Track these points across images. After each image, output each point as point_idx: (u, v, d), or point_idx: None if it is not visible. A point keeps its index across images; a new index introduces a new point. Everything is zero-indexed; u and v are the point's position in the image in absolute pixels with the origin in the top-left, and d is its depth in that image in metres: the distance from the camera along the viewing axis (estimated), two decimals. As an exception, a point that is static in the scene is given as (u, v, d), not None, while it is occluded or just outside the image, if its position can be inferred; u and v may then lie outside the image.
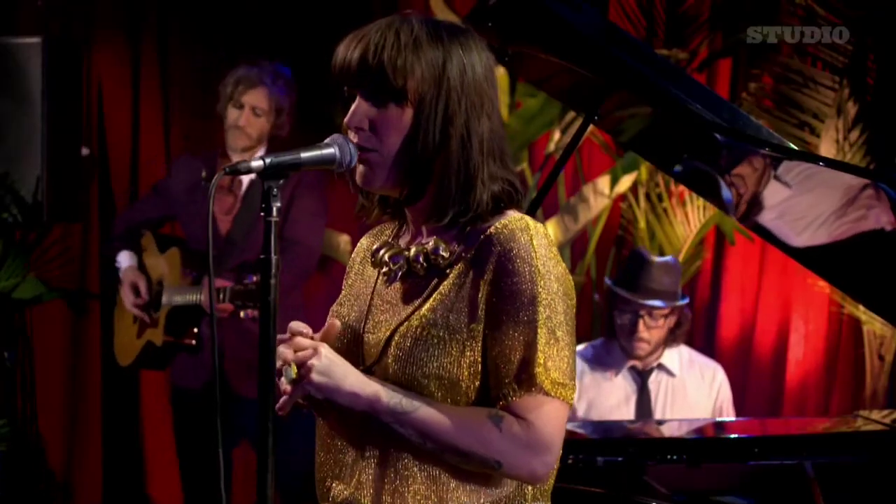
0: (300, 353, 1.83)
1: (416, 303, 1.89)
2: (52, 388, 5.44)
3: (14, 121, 4.44)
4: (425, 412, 1.81)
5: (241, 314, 3.94)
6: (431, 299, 1.87)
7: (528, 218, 1.88)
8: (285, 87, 4.29)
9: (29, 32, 4.92)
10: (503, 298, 1.83)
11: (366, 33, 1.87)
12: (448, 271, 1.89)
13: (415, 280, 1.92)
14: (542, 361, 1.81)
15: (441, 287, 1.88)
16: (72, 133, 4.60)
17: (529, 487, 1.90)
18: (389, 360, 1.87)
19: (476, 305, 1.84)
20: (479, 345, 1.84)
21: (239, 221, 4.23)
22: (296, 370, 1.83)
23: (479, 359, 1.84)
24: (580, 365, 4.12)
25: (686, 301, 4.11)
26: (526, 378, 1.81)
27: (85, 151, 4.84)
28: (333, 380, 1.82)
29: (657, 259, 4.07)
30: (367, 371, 1.90)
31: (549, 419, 1.82)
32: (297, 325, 1.86)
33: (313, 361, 1.82)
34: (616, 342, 4.13)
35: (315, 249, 4.25)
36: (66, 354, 5.50)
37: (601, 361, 4.14)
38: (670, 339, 4.10)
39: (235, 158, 4.26)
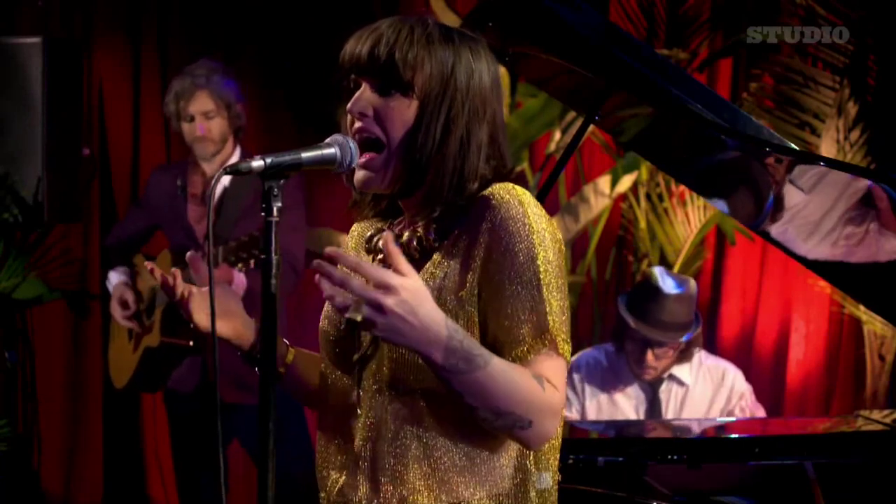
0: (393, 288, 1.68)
1: None
2: (53, 388, 5.45)
3: (14, 121, 4.44)
4: (482, 375, 1.74)
5: (237, 269, 3.80)
6: (422, 275, 1.86)
7: (509, 184, 1.88)
8: (222, 80, 4.25)
9: (29, 32, 4.93)
10: (503, 260, 1.82)
11: (378, 27, 1.88)
12: (437, 246, 1.89)
13: (410, 262, 1.92)
14: (553, 319, 1.82)
15: (430, 264, 1.88)
16: (72, 133, 4.60)
17: (532, 487, 1.90)
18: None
19: (467, 273, 1.84)
20: (472, 310, 1.83)
21: (214, 229, 4.21)
22: (363, 314, 1.67)
23: (472, 326, 1.83)
24: (594, 366, 4.08)
25: (698, 328, 3.96)
26: (541, 335, 1.81)
27: (85, 151, 4.84)
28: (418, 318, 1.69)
29: (672, 291, 3.89)
30: (363, 356, 1.90)
31: (563, 384, 1.84)
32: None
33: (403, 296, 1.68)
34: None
35: (299, 270, 4.24)
36: (67, 354, 5.50)
37: (613, 366, 4.06)
38: (682, 357, 4.01)
39: (207, 166, 4.27)
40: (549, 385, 1.80)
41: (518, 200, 1.84)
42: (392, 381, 1.87)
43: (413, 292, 1.67)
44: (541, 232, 1.83)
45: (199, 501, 4.34)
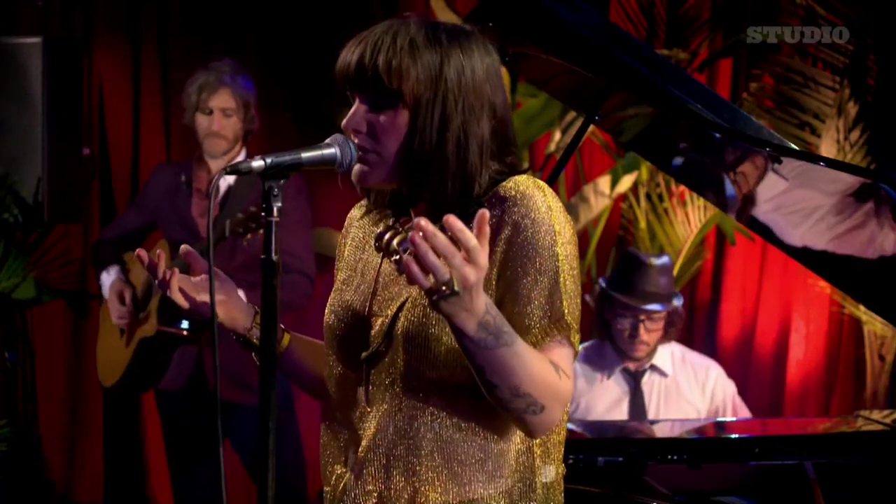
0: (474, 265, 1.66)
1: None
2: (53, 388, 5.45)
3: (14, 121, 4.44)
4: (507, 352, 1.73)
5: (245, 241, 3.82)
6: None
7: (528, 176, 1.89)
8: (247, 82, 4.29)
9: (29, 32, 4.92)
10: (524, 249, 1.83)
11: (365, 37, 1.87)
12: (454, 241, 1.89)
13: None
14: (566, 307, 1.83)
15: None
16: (72, 133, 4.60)
17: (538, 481, 1.91)
18: (399, 332, 1.87)
19: (490, 263, 1.84)
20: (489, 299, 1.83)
21: (217, 225, 4.20)
22: (458, 289, 1.64)
23: None
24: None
25: (681, 300, 4.11)
26: (556, 323, 1.83)
27: (85, 151, 4.84)
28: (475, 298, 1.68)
29: (654, 261, 4.05)
30: (376, 352, 1.90)
31: (572, 373, 1.85)
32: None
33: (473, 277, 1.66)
34: (608, 344, 4.11)
35: (312, 273, 4.25)
36: (67, 355, 5.50)
37: (593, 364, 4.11)
38: (663, 337, 4.10)
39: (214, 164, 4.27)
40: (562, 373, 1.82)
41: (540, 192, 1.86)
42: (406, 375, 1.88)
43: (484, 269, 1.66)
44: (561, 223, 1.85)
45: (198, 500, 4.34)
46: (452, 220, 1.62)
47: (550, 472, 1.93)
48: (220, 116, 4.23)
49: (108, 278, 4.35)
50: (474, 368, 1.76)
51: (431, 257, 1.62)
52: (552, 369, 1.80)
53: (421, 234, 1.61)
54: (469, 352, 1.73)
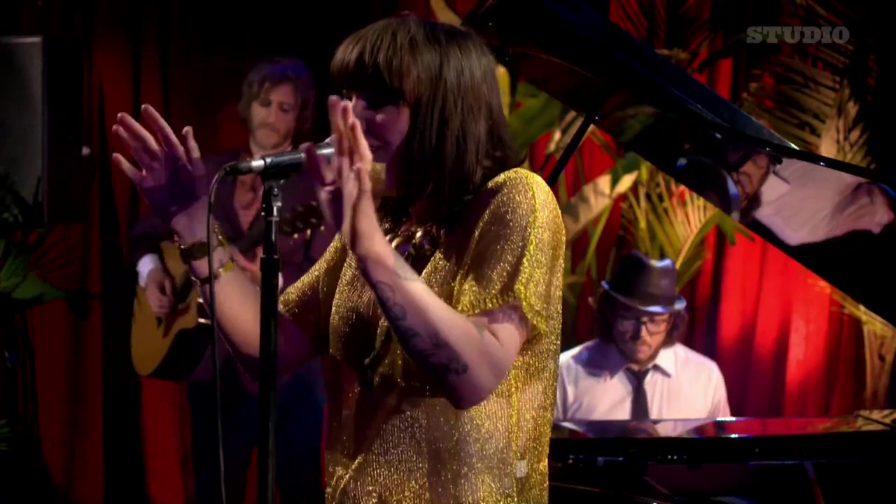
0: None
1: (422, 274, 1.89)
2: (53, 388, 5.44)
3: (14, 121, 4.44)
4: (422, 287, 1.75)
5: (292, 241, 3.91)
6: (431, 262, 1.90)
7: (521, 169, 1.90)
8: (308, 81, 4.33)
9: (29, 32, 4.92)
10: (496, 226, 1.83)
11: (364, 35, 1.88)
12: (448, 236, 1.90)
13: (423, 260, 1.92)
14: (523, 280, 1.81)
15: (439, 253, 1.89)
16: (72, 133, 4.59)
17: (513, 475, 1.90)
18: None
19: (470, 244, 1.85)
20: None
21: (260, 217, 4.23)
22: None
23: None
24: (575, 368, 4.11)
25: (684, 304, 4.11)
26: (504, 292, 1.80)
27: (85, 151, 4.84)
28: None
29: (656, 264, 4.05)
30: (377, 353, 1.91)
31: (512, 346, 1.82)
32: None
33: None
34: (611, 345, 4.11)
35: None
36: (67, 354, 5.49)
37: (596, 364, 4.11)
38: (666, 341, 4.09)
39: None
40: (489, 334, 1.79)
41: (525, 180, 1.86)
42: (404, 375, 1.88)
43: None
44: (543, 211, 1.85)
45: (215, 491, 4.34)
46: (334, 100, 1.70)
47: (523, 467, 1.92)
48: (277, 109, 4.27)
49: (146, 267, 4.38)
50: (393, 314, 1.74)
51: (363, 141, 1.69)
52: (472, 326, 1.78)
53: (347, 117, 1.69)
54: (387, 287, 1.73)
